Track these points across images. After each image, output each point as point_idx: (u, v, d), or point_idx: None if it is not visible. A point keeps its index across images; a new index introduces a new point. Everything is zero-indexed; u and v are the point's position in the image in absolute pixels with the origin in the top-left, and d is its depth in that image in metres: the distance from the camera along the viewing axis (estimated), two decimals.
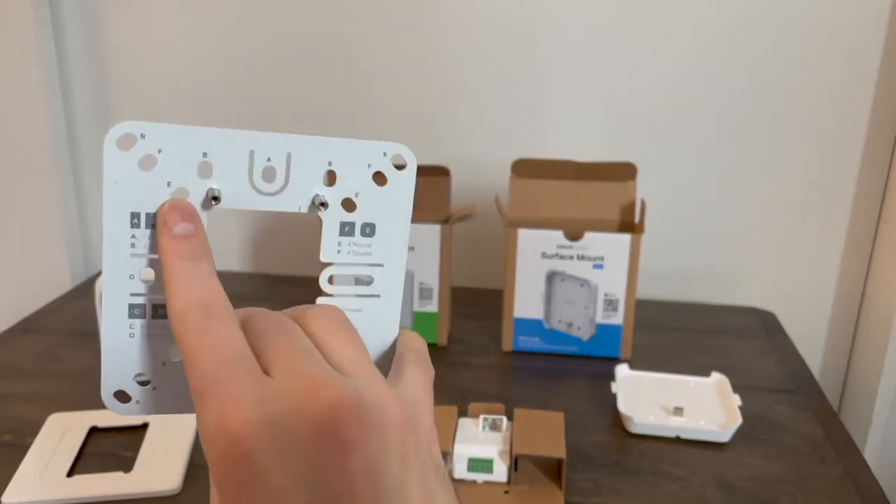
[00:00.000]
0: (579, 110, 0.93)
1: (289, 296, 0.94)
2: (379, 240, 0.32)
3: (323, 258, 0.32)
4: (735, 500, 0.58)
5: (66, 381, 0.73)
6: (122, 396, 0.31)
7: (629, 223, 0.80)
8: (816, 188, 0.92)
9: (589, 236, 0.76)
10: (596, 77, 0.91)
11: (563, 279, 0.78)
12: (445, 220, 0.78)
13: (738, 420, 0.65)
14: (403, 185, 0.32)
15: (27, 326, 0.86)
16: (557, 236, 0.77)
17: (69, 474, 0.58)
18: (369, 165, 0.31)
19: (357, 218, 0.32)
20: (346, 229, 0.32)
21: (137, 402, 0.31)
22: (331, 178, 0.31)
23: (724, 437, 0.65)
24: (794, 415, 0.70)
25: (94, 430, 0.65)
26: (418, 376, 0.31)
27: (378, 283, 0.33)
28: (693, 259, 0.97)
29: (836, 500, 0.58)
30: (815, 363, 0.98)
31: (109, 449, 0.62)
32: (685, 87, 0.90)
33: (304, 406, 0.25)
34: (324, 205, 0.31)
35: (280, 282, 0.98)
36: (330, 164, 0.31)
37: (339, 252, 0.32)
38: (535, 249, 0.77)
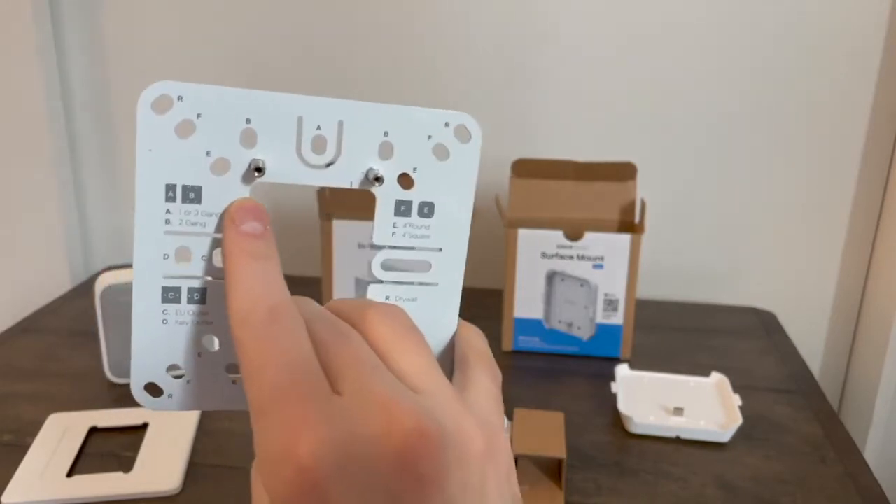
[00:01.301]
0: (579, 110, 0.93)
1: None
2: (438, 221, 0.29)
3: (376, 241, 0.29)
4: (735, 500, 0.58)
5: (66, 381, 0.73)
6: (153, 390, 0.28)
7: (629, 223, 0.80)
8: (816, 188, 0.92)
9: (589, 236, 0.76)
10: (596, 77, 0.91)
11: (563, 279, 0.78)
12: None
13: (738, 420, 0.65)
14: (467, 160, 0.29)
15: (27, 326, 0.86)
16: (557, 236, 0.77)
17: (69, 474, 0.58)
18: (429, 137, 0.28)
19: (414, 196, 0.29)
20: (403, 209, 0.29)
21: (170, 395, 0.28)
22: (386, 150, 0.28)
23: (724, 437, 0.65)
24: (794, 415, 0.70)
25: (94, 430, 0.65)
26: (487, 384, 0.27)
27: (436, 270, 0.30)
28: (693, 259, 0.97)
29: (836, 500, 0.58)
30: (815, 363, 0.98)
31: (109, 449, 0.62)
32: (685, 87, 0.90)
33: (379, 435, 0.22)
34: (378, 179, 0.28)
35: None
36: (386, 134, 0.28)
37: (393, 234, 0.29)
38: (535, 249, 0.77)
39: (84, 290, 0.97)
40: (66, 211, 1.01)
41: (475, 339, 0.30)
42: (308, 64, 0.95)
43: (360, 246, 0.79)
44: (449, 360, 0.30)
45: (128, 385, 0.71)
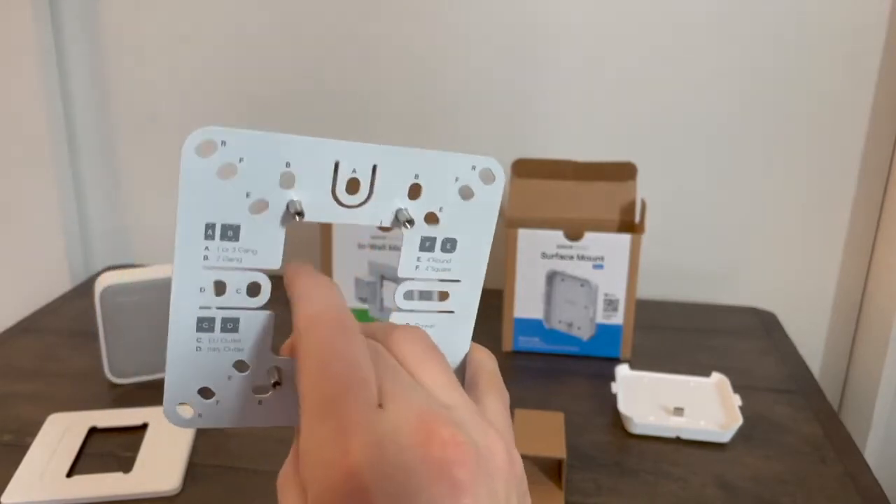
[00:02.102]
0: (579, 110, 0.93)
1: None
2: (459, 255, 0.31)
3: (401, 273, 0.31)
4: (735, 500, 0.58)
5: (66, 381, 0.73)
6: (185, 410, 0.30)
7: (629, 223, 0.80)
8: (816, 188, 0.92)
9: (589, 236, 0.76)
10: (596, 77, 0.91)
11: (563, 279, 0.78)
12: None
13: (738, 420, 0.65)
14: (489, 200, 0.31)
15: (27, 326, 0.86)
16: (557, 236, 0.77)
17: (69, 474, 0.58)
18: (456, 179, 0.30)
19: (439, 233, 0.31)
20: (427, 244, 0.31)
21: (200, 415, 0.30)
22: (415, 190, 0.30)
23: (725, 437, 0.65)
24: (794, 415, 0.70)
25: (93, 430, 0.65)
26: (498, 405, 0.29)
27: (454, 299, 0.32)
28: (693, 259, 0.97)
29: (836, 500, 0.58)
30: (815, 363, 0.98)
31: (109, 449, 0.62)
32: (685, 88, 0.90)
33: (419, 444, 0.24)
34: (409, 221, 0.30)
35: (279, 282, 0.98)
36: (416, 176, 0.30)
37: (417, 268, 0.31)
38: (535, 249, 0.77)
39: (84, 290, 0.97)
40: (66, 211, 1.01)
41: (486, 362, 0.32)
42: (307, 68, 0.95)
43: (360, 246, 0.79)
44: (460, 379, 0.31)
45: (127, 385, 0.71)
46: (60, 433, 0.63)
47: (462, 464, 0.24)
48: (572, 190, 0.80)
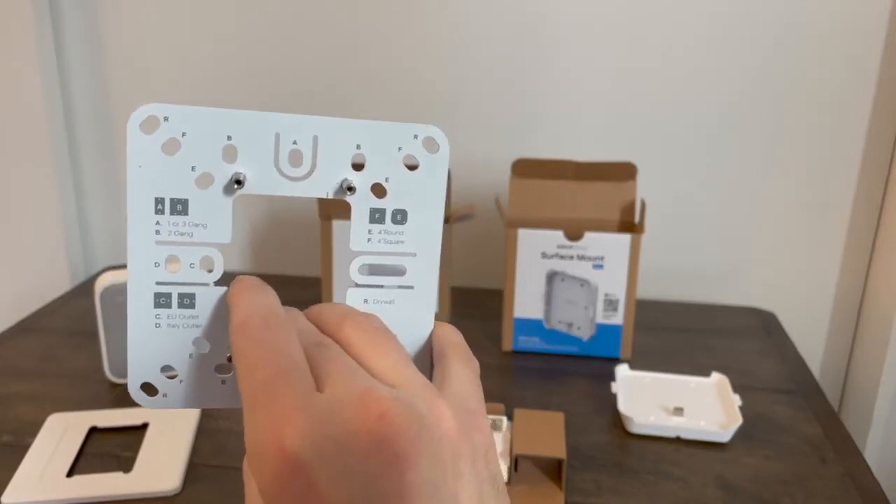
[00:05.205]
0: (579, 110, 0.93)
1: (289, 296, 0.93)
2: (411, 227, 0.31)
3: (353, 247, 0.31)
4: (735, 500, 0.58)
5: (66, 381, 0.73)
6: (149, 389, 0.30)
7: (629, 223, 0.80)
8: (816, 188, 0.92)
9: (589, 236, 0.76)
10: (595, 76, 0.91)
11: (563, 279, 0.78)
12: (445, 220, 0.78)
13: (738, 420, 0.65)
14: (436, 170, 0.31)
15: (27, 326, 0.86)
16: (557, 236, 0.77)
17: (69, 474, 0.58)
18: (399, 148, 0.30)
19: (387, 204, 0.31)
20: (377, 216, 0.31)
21: (165, 395, 0.30)
22: (359, 161, 0.30)
23: (725, 437, 0.65)
24: (794, 415, 0.70)
25: (93, 431, 0.65)
26: (465, 372, 0.29)
27: (411, 274, 0.31)
28: (693, 259, 0.97)
29: (836, 500, 0.58)
30: (815, 363, 0.98)
31: (109, 449, 0.62)
32: (685, 87, 0.90)
33: (356, 420, 0.24)
34: (351, 189, 0.30)
35: (280, 282, 0.98)
36: (358, 147, 0.30)
37: (369, 240, 0.31)
38: (535, 249, 0.77)
39: (84, 290, 0.97)
40: (66, 211, 1.01)
41: (450, 334, 0.32)
42: (307, 69, 0.95)
43: None
44: (428, 357, 0.32)
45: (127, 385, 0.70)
46: (60, 433, 0.63)
47: (399, 435, 0.24)
48: (572, 190, 0.80)
